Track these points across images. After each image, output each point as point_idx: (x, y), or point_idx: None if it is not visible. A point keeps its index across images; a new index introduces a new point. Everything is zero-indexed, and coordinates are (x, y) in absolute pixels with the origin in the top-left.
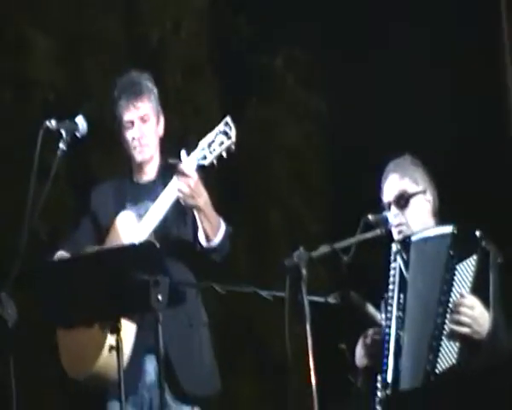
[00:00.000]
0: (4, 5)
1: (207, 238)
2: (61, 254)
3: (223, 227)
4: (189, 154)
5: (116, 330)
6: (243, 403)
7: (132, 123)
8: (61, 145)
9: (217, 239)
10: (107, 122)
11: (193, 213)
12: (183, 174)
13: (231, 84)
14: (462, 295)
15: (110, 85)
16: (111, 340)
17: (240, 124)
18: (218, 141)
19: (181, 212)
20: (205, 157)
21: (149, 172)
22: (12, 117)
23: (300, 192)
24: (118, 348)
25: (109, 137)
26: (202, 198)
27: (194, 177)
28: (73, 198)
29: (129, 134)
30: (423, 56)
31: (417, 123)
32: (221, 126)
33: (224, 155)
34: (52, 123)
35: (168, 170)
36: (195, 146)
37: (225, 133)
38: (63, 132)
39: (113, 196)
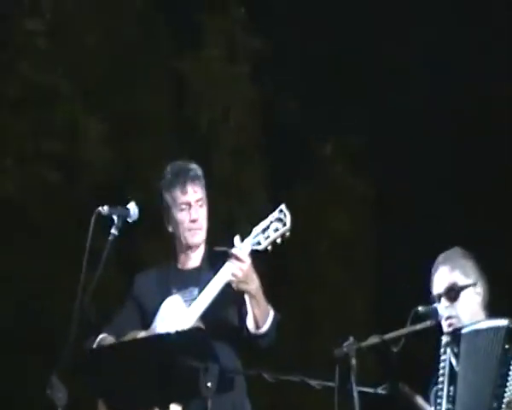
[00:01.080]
0: (58, 90)
1: (256, 325)
2: (104, 337)
3: (271, 314)
4: (242, 240)
5: None
6: None
7: (189, 205)
8: (113, 230)
9: (266, 326)
10: (155, 207)
11: (240, 299)
12: (237, 258)
13: (279, 170)
14: None
15: (159, 169)
16: None
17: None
18: (272, 227)
19: (228, 298)
20: (259, 243)
21: (195, 259)
22: (60, 198)
23: (347, 278)
24: None
25: (158, 222)
26: (255, 283)
27: (248, 261)
28: (122, 282)
29: (184, 216)
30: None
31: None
32: (276, 213)
33: (279, 241)
34: (104, 209)
35: (213, 258)
36: (246, 233)
37: (280, 220)
38: (115, 218)
39: (158, 281)
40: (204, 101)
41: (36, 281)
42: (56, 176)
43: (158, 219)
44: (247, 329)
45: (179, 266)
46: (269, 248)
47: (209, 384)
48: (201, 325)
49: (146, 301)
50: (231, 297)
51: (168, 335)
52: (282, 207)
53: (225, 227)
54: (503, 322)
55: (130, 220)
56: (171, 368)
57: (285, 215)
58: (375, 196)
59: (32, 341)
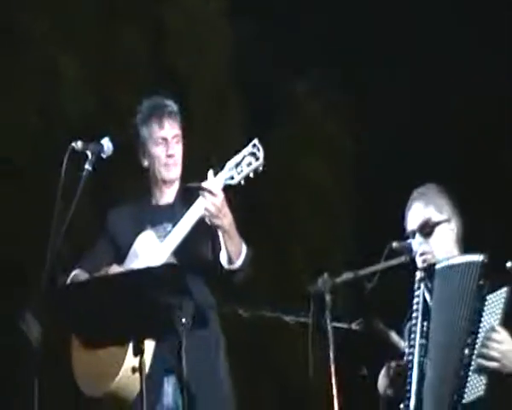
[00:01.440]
0: (37, 32)
1: (230, 260)
2: (78, 273)
3: (244, 249)
4: (215, 175)
5: (140, 352)
6: None
7: (166, 140)
8: (87, 166)
9: (239, 261)
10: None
11: (213, 234)
12: (210, 193)
13: (256, 114)
14: (492, 329)
15: (133, 107)
16: (132, 361)
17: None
18: (245, 162)
19: (201, 233)
20: (232, 177)
21: (169, 195)
22: (39, 140)
23: (323, 220)
24: (141, 370)
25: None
26: (227, 218)
27: (221, 196)
28: (96, 217)
29: (160, 150)
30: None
31: (443, 157)
32: (249, 148)
33: (252, 175)
34: (78, 144)
35: (187, 194)
36: (221, 168)
37: (253, 154)
38: (89, 153)
39: (132, 217)
40: (182, 42)
41: (9, 218)
42: (36, 119)
43: (133, 156)
44: (220, 264)
45: (153, 201)
46: (242, 182)
47: (184, 320)
48: (175, 261)
49: (119, 237)
50: (205, 233)
51: (141, 270)
52: (255, 141)
53: (201, 165)
54: (477, 257)
55: (104, 156)
56: (145, 304)
57: (258, 149)
58: (352, 139)
59: (4, 275)
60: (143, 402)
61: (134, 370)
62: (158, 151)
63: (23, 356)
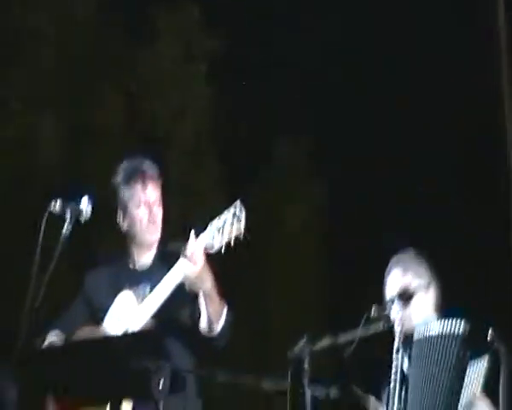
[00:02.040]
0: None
1: (210, 324)
2: (54, 335)
3: (224, 313)
4: (197, 236)
5: None
6: None
7: (148, 204)
8: (65, 230)
9: (219, 326)
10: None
11: (193, 298)
12: (190, 260)
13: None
14: (474, 396)
15: (112, 168)
16: None
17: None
18: (228, 224)
19: (181, 296)
20: (212, 246)
21: (146, 258)
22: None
23: (301, 280)
24: None
25: (110, 219)
26: (208, 283)
27: (201, 263)
28: (74, 277)
29: (143, 213)
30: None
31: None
32: (231, 209)
33: (232, 243)
34: (57, 205)
35: (166, 256)
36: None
37: (235, 215)
38: (67, 216)
39: (109, 279)
40: (160, 101)
41: None
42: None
43: (112, 217)
44: (200, 333)
45: (130, 263)
46: (222, 250)
47: (161, 384)
48: (153, 325)
49: (96, 298)
50: (184, 296)
51: (118, 337)
52: (237, 203)
53: (179, 226)
54: (457, 329)
55: (82, 219)
56: (123, 368)
57: (240, 210)
58: (329, 199)
59: None
60: None
61: None
62: (140, 214)
63: None
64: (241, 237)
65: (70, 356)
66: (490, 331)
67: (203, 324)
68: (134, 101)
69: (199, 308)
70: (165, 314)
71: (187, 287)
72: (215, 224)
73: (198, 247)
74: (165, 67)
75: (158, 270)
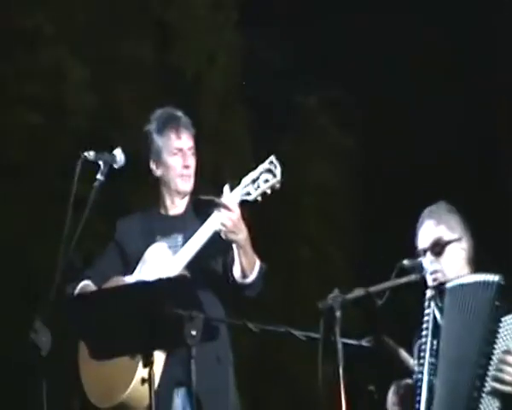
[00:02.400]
0: (42, 33)
1: (243, 274)
2: (86, 284)
3: (258, 264)
4: (231, 190)
5: (149, 364)
6: None
7: (182, 151)
8: (99, 176)
9: (252, 276)
10: (141, 153)
11: (227, 248)
12: (226, 208)
13: (264, 121)
14: (508, 352)
15: (144, 115)
16: (143, 372)
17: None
18: (262, 178)
19: (215, 247)
20: (249, 193)
21: (179, 206)
22: (44, 141)
23: (330, 231)
24: (150, 381)
25: (144, 169)
26: (243, 233)
27: (238, 211)
28: (107, 227)
29: (177, 161)
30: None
31: (450, 168)
32: (266, 164)
33: (269, 192)
34: (90, 154)
35: (198, 206)
36: (232, 182)
37: (270, 171)
38: (101, 164)
39: (142, 227)
40: (189, 48)
41: (20, 225)
42: (40, 120)
43: (143, 165)
44: (233, 278)
45: (163, 212)
46: (258, 198)
47: (193, 333)
48: (187, 274)
49: (129, 247)
50: (218, 246)
51: (153, 282)
52: (272, 158)
53: (211, 176)
54: (492, 278)
55: (116, 166)
56: (156, 316)
57: (275, 166)
58: (361, 152)
59: (16, 285)
60: None
61: (144, 381)
62: (174, 161)
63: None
64: (276, 188)
65: (102, 303)
66: None
67: (236, 273)
68: (164, 48)
69: (232, 258)
70: (198, 264)
71: (223, 235)
72: (251, 175)
73: (234, 196)
74: (194, 13)
75: (190, 219)
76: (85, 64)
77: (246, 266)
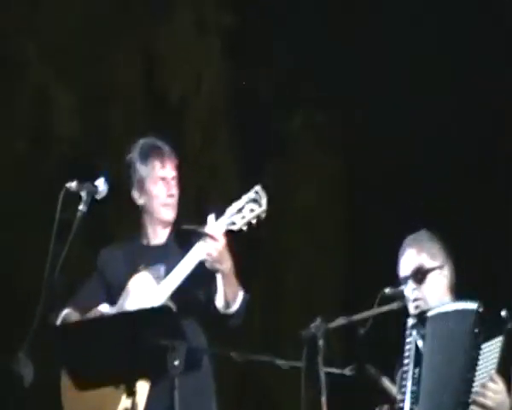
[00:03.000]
0: (28, 59)
1: (227, 304)
2: (69, 313)
3: (241, 294)
4: (216, 219)
5: (132, 394)
6: None
7: (166, 180)
8: (81, 207)
9: (235, 305)
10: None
11: (209, 278)
12: (212, 238)
13: (249, 147)
14: (490, 378)
15: (130, 141)
16: (126, 403)
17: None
18: (248, 208)
19: (198, 276)
20: (234, 223)
21: (161, 236)
22: (27, 168)
23: (316, 256)
24: None
25: (127, 194)
26: (228, 263)
27: (223, 241)
28: (91, 257)
29: (160, 190)
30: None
31: (433, 195)
32: (251, 194)
33: (254, 221)
34: (73, 185)
35: (180, 236)
36: (217, 209)
37: (255, 201)
38: (83, 195)
39: (124, 257)
40: (174, 75)
41: (3, 252)
42: (25, 145)
43: (128, 192)
44: (216, 308)
45: (145, 242)
46: (244, 228)
47: (176, 363)
48: (171, 304)
49: (111, 276)
50: (202, 277)
51: (135, 312)
52: (258, 188)
53: (195, 202)
54: (472, 305)
55: (98, 197)
56: (139, 346)
57: (260, 197)
58: (346, 173)
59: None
60: None
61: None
62: (158, 190)
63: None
64: (262, 218)
65: (85, 333)
66: (503, 312)
67: (220, 303)
68: (149, 72)
69: (215, 288)
70: (182, 294)
71: (208, 265)
72: (236, 205)
73: (219, 226)
74: (179, 41)
75: (172, 249)
76: (72, 90)
77: (229, 296)
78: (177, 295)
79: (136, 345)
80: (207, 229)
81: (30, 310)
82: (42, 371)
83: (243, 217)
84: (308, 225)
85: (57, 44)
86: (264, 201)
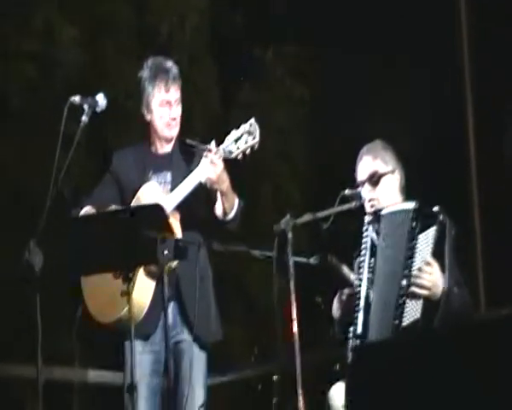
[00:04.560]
0: None
1: (225, 213)
2: (87, 209)
3: (236, 202)
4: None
5: (128, 279)
6: (234, 346)
7: (170, 103)
8: (84, 118)
9: (232, 213)
10: (121, 99)
11: (209, 192)
12: (212, 162)
13: (228, 73)
14: (425, 262)
15: (124, 68)
16: (123, 287)
17: (234, 106)
18: (243, 139)
19: (200, 192)
20: (231, 152)
21: (168, 145)
22: (37, 90)
23: (287, 167)
24: (129, 294)
25: (123, 112)
26: (225, 183)
27: (221, 166)
28: (92, 163)
29: (164, 112)
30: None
31: (390, 113)
32: (246, 126)
33: (248, 151)
34: (76, 99)
35: (183, 148)
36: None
37: (250, 133)
38: (85, 107)
39: (135, 162)
40: (164, 10)
41: (16, 160)
42: (34, 71)
43: (124, 111)
44: (216, 216)
45: (153, 149)
46: (239, 157)
47: (165, 252)
48: (160, 203)
49: (124, 178)
50: (203, 191)
51: (130, 209)
52: (252, 121)
53: (182, 119)
54: (410, 205)
55: (98, 110)
56: (135, 238)
57: (255, 129)
58: (311, 97)
59: (11, 212)
60: (131, 320)
61: (124, 294)
62: (162, 112)
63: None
64: (255, 148)
65: (91, 225)
66: (436, 208)
67: (219, 212)
68: (142, 11)
69: (215, 200)
70: (186, 207)
71: (208, 185)
72: (232, 135)
73: (219, 153)
74: None
75: (177, 158)
76: (73, 23)
77: (227, 207)
78: (181, 208)
79: (131, 237)
80: (209, 154)
81: (39, 209)
82: (50, 258)
83: (238, 148)
84: (280, 141)
85: None
86: (257, 133)
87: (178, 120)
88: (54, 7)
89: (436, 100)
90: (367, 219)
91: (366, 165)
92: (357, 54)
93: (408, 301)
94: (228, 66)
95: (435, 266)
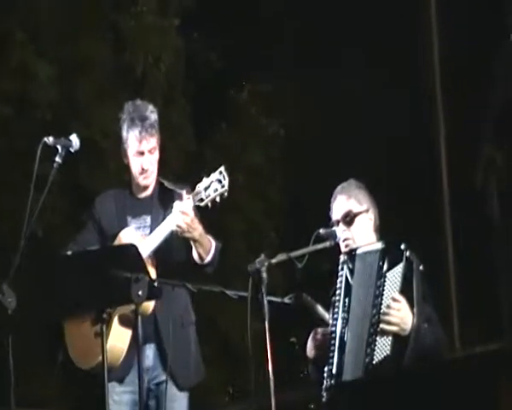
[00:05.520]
0: (11, 35)
1: (201, 258)
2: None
3: (213, 245)
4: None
5: (101, 320)
6: (209, 386)
7: (142, 153)
8: (57, 159)
9: (209, 257)
10: (95, 139)
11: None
12: (182, 213)
13: (203, 113)
14: (392, 299)
15: (100, 108)
16: (113, 337)
17: (209, 144)
18: (213, 187)
19: (175, 238)
20: (201, 200)
21: (147, 190)
22: (12, 131)
23: (260, 204)
24: (102, 336)
25: (98, 151)
26: (197, 231)
27: (191, 215)
28: (65, 203)
29: (137, 162)
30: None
31: (360, 150)
32: (216, 175)
33: (218, 199)
34: (50, 139)
35: (163, 189)
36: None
37: (219, 181)
38: (59, 148)
39: (116, 206)
40: (138, 49)
41: None
42: (9, 110)
43: (99, 150)
44: (193, 261)
45: (133, 192)
46: (208, 204)
47: (140, 292)
48: (134, 243)
49: (105, 224)
50: (179, 238)
51: (105, 250)
52: (222, 169)
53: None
54: (378, 245)
55: (72, 150)
56: (108, 279)
57: (224, 177)
58: (285, 136)
59: None
60: (105, 361)
61: (97, 335)
62: (135, 161)
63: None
64: (224, 196)
65: (62, 268)
66: (402, 245)
67: (195, 257)
68: (116, 49)
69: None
70: (163, 252)
71: (178, 234)
72: (203, 184)
73: (189, 202)
74: (143, 22)
75: (157, 202)
76: (49, 62)
77: (201, 252)
78: (158, 253)
79: (105, 277)
80: (179, 205)
81: (12, 248)
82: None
83: (208, 195)
84: (254, 178)
85: (38, 24)
86: (226, 182)
87: (153, 168)
88: (30, 46)
89: (410, 130)
90: (342, 258)
91: (340, 204)
92: (332, 94)
93: (378, 338)
94: (203, 105)
95: (403, 302)
